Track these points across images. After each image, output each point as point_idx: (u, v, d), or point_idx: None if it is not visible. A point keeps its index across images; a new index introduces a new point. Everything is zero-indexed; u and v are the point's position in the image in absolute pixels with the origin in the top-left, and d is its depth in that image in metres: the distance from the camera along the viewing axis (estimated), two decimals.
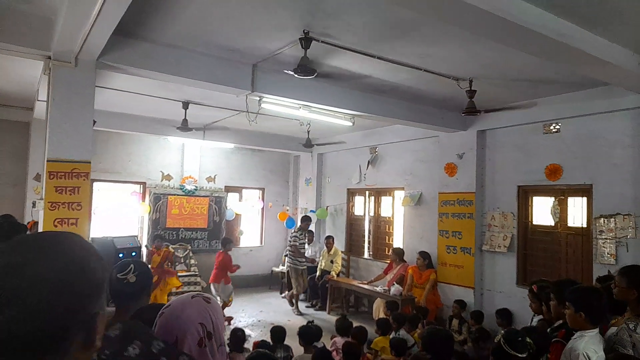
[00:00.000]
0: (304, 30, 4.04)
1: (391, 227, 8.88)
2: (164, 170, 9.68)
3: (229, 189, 10.56)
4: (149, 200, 9.34)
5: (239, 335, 4.64)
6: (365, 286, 7.87)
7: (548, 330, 3.25)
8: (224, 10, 3.73)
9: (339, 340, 4.85)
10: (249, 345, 5.10)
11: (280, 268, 10.40)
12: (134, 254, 7.62)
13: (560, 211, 6.12)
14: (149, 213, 9.30)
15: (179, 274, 8.69)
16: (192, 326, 1.30)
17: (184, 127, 7.31)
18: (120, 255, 7.19)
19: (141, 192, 9.47)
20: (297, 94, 5.60)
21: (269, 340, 4.71)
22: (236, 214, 10.50)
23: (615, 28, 3.67)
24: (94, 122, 4.39)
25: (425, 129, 7.39)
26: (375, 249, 9.15)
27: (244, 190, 11.04)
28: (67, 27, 3.53)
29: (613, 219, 5.46)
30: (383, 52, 4.56)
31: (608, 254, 5.44)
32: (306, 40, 4.11)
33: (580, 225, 5.93)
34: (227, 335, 4.59)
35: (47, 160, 4.08)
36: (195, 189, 9.90)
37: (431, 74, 5.12)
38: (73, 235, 0.87)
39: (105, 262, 0.88)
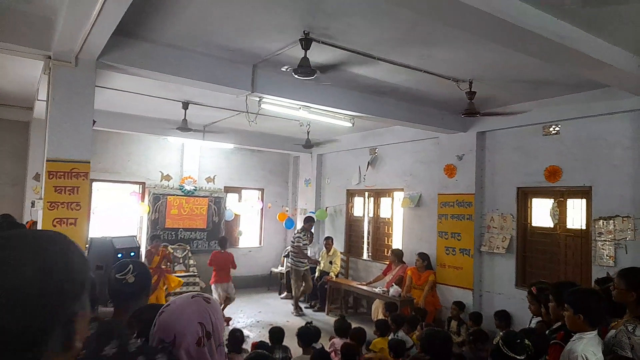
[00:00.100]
0: (304, 31, 4.04)
1: (390, 228, 8.88)
2: (164, 170, 9.68)
3: (228, 189, 10.56)
4: (148, 201, 9.34)
5: (237, 336, 4.64)
6: (364, 287, 7.87)
7: (547, 332, 3.25)
8: (224, 10, 3.73)
9: (338, 342, 4.84)
10: (247, 346, 5.10)
11: (280, 269, 10.40)
12: (132, 254, 7.60)
13: (560, 213, 6.12)
14: (148, 213, 9.29)
15: (178, 274, 8.69)
16: (191, 325, 1.30)
17: (184, 127, 7.31)
18: (119, 255, 7.17)
19: (140, 192, 9.47)
20: (297, 95, 5.60)
21: (267, 341, 4.71)
22: (235, 215, 10.50)
23: (615, 30, 3.68)
24: (94, 122, 4.39)
25: (424, 130, 7.40)
26: (374, 250, 9.14)
27: (243, 191, 11.04)
28: (67, 27, 3.53)
29: (612, 221, 5.46)
30: (383, 53, 4.57)
31: (607, 255, 5.44)
32: (306, 41, 4.11)
33: (580, 227, 5.93)
34: (225, 336, 4.58)
35: (47, 160, 4.08)
36: (195, 189, 9.90)
37: (431, 75, 5.13)
38: (56, 234, 0.85)
39: (88, 262, 0.86)
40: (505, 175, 6.78)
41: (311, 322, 4.80)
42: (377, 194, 9.20)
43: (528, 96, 5.99)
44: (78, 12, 3.24)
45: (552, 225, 6.21)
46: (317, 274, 8.90)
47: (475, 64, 4.78)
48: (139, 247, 8.11)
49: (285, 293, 9.83)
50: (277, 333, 4.67)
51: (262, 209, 11.12)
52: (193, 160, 10.02)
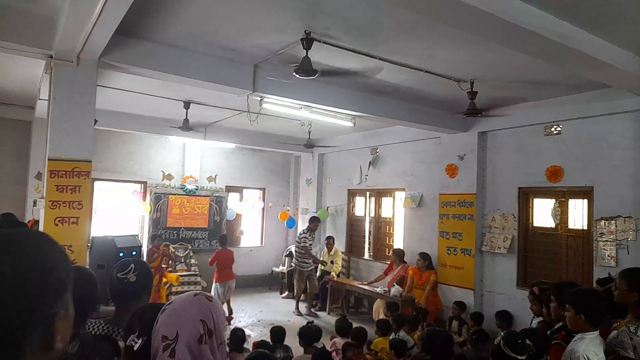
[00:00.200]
0: (305, 31, 4.04)
1: (391, 228, 8.88)
2: (165, 169, 9.70)
3: (229, 188, 10.57)
4: (149, 200, 9.35)
5: (238, 335, 4.64)
6: (365, 287, 7.87)
7: (548, 332, 3.25)
8: (226, 10, 3.73)
9: (339, 341, 4.85)
10: (248, 345, 5.10)
11: (281, 268, 10.40)
12: (134, 253, 7.62)
13: (561, 213, 6.12)
14: (150, 212, 9.31)
15: (179, 273, 8.71)
16: (193, 323, 1.31)
17: (185, 126, 7.32)
18: (121, 254, 7.19)
19: (142, 191, 9.49)
20: (298, 95, 5.60)
21: (268, 340, 4.72)
22: (237, 214, 10.51)
23: (617, 30, 3.67)
24: (95, 121, 4.39)
25: (426, 130, 7.40)
26: (375, 250, 9.15)
27: (244, 190, 11.05)
28: (69, 26, 3.54)
29: (614, 221, 5.46)
30: (384, 53, 4.57)
31: (608, 256, 5.43)
32: (307, 41, 4.11)
33: (581, 227, 5.92)
34: (227, 335, 4.59)
35: (48, 159, 4.09)
36: (196, 189, 9.91)
37: (432, 75, 5.12)
38: (36, 234, 0.85)
39: (69, 262, 0.86)
40: (506, 175, 6.77)
41: (312, 322, 4.81)
42: (379, 194, 9.20)
43: (529, 96, 5.99)
44: (80, 12, 3.25)
45: (553, 226, 6.20)
46: (318, 274, 8.90)
47: (476, 64, 4.77)
48: (140, 246, 8.14)
49: (286, 292, 9.84)
50: (278, 332, 4.68)
51: (263, 208, 11.12)
52: (194, 159, 10.03)
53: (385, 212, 9.09)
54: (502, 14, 3.02)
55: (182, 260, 9.22)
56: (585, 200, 5.89)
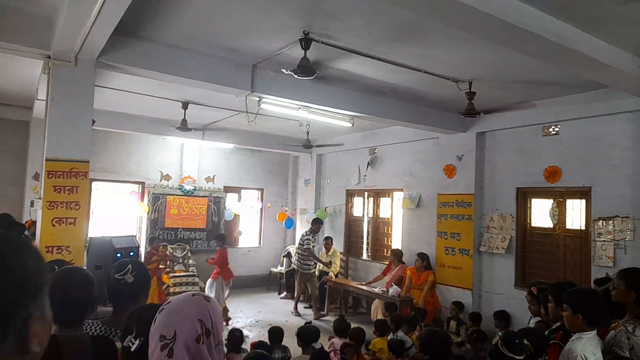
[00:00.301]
0: (303, 31, 4.04)
1: (390, 228, 8.88)
2: (163, 170, 9.68)
3: (227, 189, 10.56)
4: (147, 200, 9.34)
5: (236, 336, 4.63)
6: (364, 287, 7.86)
7: (546, 332, 3.25)
8: (224, 10, 3.73)
9: (337, 341, 4.85)
10: (246, 345, 5.09)
11: (279, 269, 10.40)
12: (132, 253, 7.60)
13: (559, 213, 6.12)
14: (148, 213, 9.29)
15: (177, 274, 8.71)
16: (191, 322, 1.31)
17: (184, 127, 7.31)
18: (119, 255, 7.17)
19: (140, 191, 9.47)
20: (296, 95, 5.60)
21: (266, 340, 4.71)
22: (235, 215, 10.50)
23: (615, 30, 3.68)
24: (93, 121, 4.38)
25: (424, 131, 7.40)
26: (373, 250, 9.15)
27: (242, 191, 11.04)
28: (67, 26, 3.53)
29: (612, 222, 5.47)
30: (383, 53, 4.57)
31: (606, 256, 5.44)
32: (306, 41, 4.11)
33: (579, 228, 5.93)
34: (225, 335, 4.58)
35: (46, 160, 4.08)
36: (194, 189, 9.90)
37: (431, 75, 5.13)
38: (8, 235, 0.83)
39: (44, 264, 0.84)
40: (504, 175, 6.78)
41: (310, 322, 4.80)
42: (377, 194, 9.20)
43: (528, 96, 5.99)
44: (78, 12, 3.24)
45: (551, 226, 6.21)
46: (316, 274, 8.89)
47: (475, 64, 4.78)
48: (138, 247, 8.12)
49: (284, 293, 9.83)
50: (276, 333, 4.67)
51: (261, 209, 11.11)
52: (192, 160, 10.01)
53: (384, 213, 9.09)
54: (501, 15, 3.03)
55: (180, 261, 9.21)
56: (583, 201, 5.90)
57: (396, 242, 8.58)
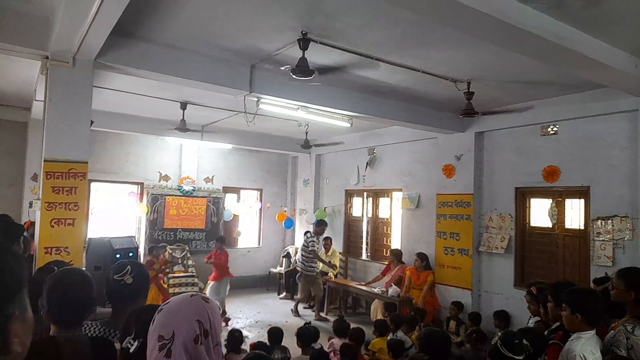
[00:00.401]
0: (302, 31, 4.03)
1: (389, 229, 8.89)
2: (162, 170, 9.67)
3: (226, 189, 10.55)
4: (146, 201, 9.32)
5: (236, 336, 4.63)
6: (363, 287, 7.87)
7: (545, 332, 3.26)
8: (223, 10, 3.72)
9: (337, 342, 4.85)
10: (246, 346, 5.09)
11: (278, 269, 10.39)
12: (131, 254, 7.59)
13: (558, 213, 6.13)
14: (147, 214, 9.28)
15: (176, 274, 8.68)
16: (189, 322, 1.31)
17: (182, 127, 7.30)
18: (118, 255, 7.16)
19: (139, 192, 9.46)
20: (295, 95, 5.59)
21: (266, 341, 4.71)
22: (234, 215, 10.49)
23: (614, 31, 3.68)
24: (92, 122, 4.38)
25: (423, 131, 7.41)
26: (373, 250, 9.15)
27: (241, 191, 11.03)
28: (64, 27, 3.53)
29: (610, 221, 5.47)
30: (381, 53, 4.57)
31: (605, 256, 5.45)
32: (304, 41, 4.11)
33: (578, 227, 5.94)
34: (224, 336, 4.58)
35: (44, 161, 4.07)
36: (193, 190, 9.89)
37: (429, 76, 5.13)
38: None
39: (22, 264, 0.84)
40: (503, 175, 6.78)
41: (310, 323, 4.80)
42: (376, 194, 9.20)
43: (526, 96, 6.00)
44: (76, 12, 3.24)
45: (550, 225, 6.22)
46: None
47: (473, 65, 4.78)
48: (137, 248, 8.10)
49: (284, 293, 9.82)
50: (275, 333, 4.67)
51: (260, 209, 11.11)
52: (191, 160, 10.00)
53: (383, 213, 9.09)
54: (500, 15, 3.03)
55: (180, 262, 9.20)
56: (582, 200, 5.90)
57: (395, 242, 8.59)
